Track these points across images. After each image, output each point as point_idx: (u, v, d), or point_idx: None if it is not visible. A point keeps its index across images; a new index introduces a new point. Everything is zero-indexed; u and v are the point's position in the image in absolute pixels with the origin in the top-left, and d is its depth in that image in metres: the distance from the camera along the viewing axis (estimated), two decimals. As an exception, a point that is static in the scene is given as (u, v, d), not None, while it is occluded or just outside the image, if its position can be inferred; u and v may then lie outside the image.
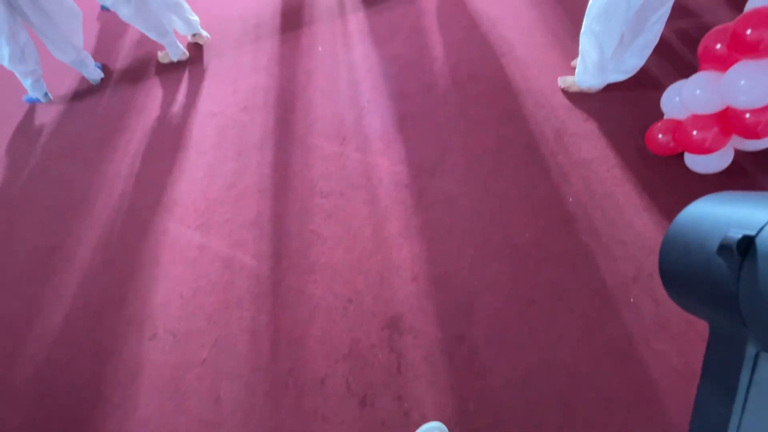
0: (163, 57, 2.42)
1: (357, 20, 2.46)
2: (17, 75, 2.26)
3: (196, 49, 2.50)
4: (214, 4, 2.76)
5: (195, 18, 2.39)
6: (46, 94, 2.40)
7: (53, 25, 2.11)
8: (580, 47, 1.75)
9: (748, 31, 1.18)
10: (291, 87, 2.21)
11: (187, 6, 2.33)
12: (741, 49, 1.22)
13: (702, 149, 1.46)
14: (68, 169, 2.12)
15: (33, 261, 1.86)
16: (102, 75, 2.47)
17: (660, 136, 1.59)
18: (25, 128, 2.39)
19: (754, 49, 1.19)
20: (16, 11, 2.00)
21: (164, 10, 2.18)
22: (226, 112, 2.15)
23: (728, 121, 1.38)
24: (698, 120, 1.44)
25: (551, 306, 1.39)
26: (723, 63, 1.33)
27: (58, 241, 1.89)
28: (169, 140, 2.11)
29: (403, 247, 1.60)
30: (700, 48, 1.41)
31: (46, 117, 2.40)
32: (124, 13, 2.07)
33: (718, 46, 1.34)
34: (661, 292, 1.34)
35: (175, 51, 2.35)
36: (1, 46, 2.07)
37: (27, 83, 2.30)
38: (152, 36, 2.22)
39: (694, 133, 1.44)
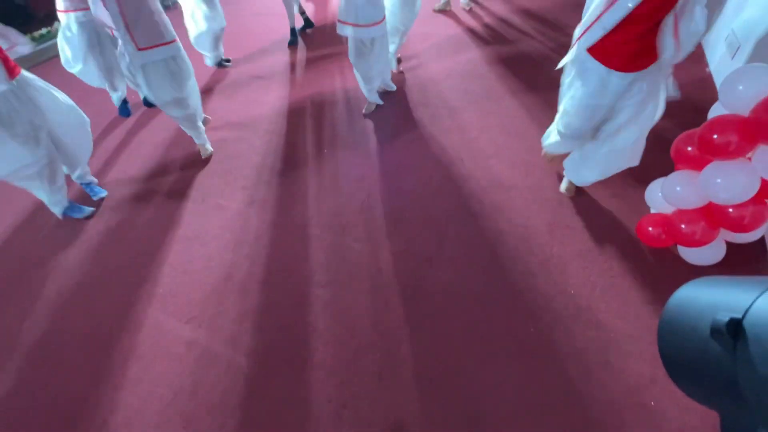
0: (204, 152, 2.62)
1: (358, 128, 2.72)
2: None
3: (213, 146, 2.71)
4: (234, 110, 3.08)
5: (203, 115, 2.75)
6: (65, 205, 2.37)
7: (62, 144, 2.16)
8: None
9: (715, 136, 1.30)
10: (296, 182, 2.34)
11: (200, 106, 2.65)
12: (711, 151, 1.34)
13: (693, 242, 1.49)
14: (68, 261, 2.12)
15: (15, 355, 1.74)
16: (105, 193, 2.48)
17: (650, 229, 1.64)
18: (29, 221, 2.46)
19: (723, 152, 1.30)
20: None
21: (198, 103, 2.46)
22: (232, 206, 2.25)
23: (714, 215, 1.44)
24: (684, 214, 1.50)
25: (567, 413, 1.27)
26: (697, 163, 1.44)
27: (43, 334, 1.79)
28: (172, 231, 2.16)
29: (402, 342, 1.52)
30: (673, 150, 1.54)
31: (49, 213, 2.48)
32: (174, 113, 2.34)
33: (689, 148, 1.47)
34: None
35: (203, 140, 2.59)
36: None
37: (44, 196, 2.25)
38: (186, 126, 2.47)
39: (683, 227, 1.49)
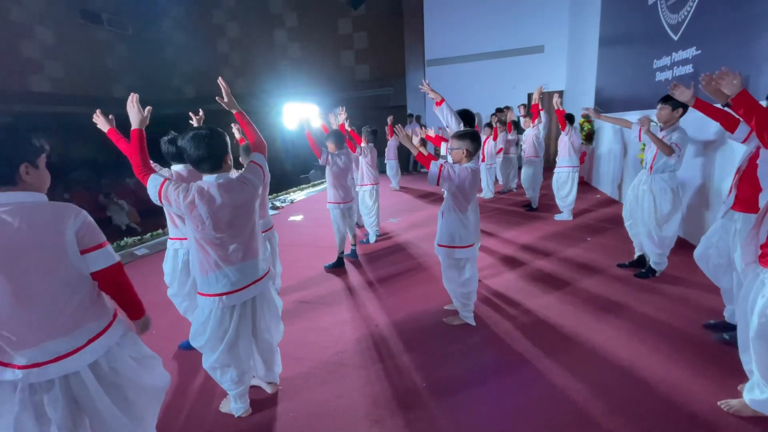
0: (224, 405, 2.01)
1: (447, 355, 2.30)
2: None
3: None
4: (292, 340, 2.57)
5: (280, 369, 2.12)
6: None
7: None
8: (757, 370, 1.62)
9: None
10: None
11: (278, 353, 2.09)
12: None
13: None
14: None
15: None
16: None
17: None
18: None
19: None
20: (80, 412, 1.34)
21: (251, 355, 1.93)
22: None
23: None
24: None
25: None
26: None
27: None
28: None
29: None
30: None
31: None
32: (219, 359, 1.79)
33: None
34: None
35: (241, 407, 1.95)
36: None
37: None
38: (226, 382, 1.86)
39: None
